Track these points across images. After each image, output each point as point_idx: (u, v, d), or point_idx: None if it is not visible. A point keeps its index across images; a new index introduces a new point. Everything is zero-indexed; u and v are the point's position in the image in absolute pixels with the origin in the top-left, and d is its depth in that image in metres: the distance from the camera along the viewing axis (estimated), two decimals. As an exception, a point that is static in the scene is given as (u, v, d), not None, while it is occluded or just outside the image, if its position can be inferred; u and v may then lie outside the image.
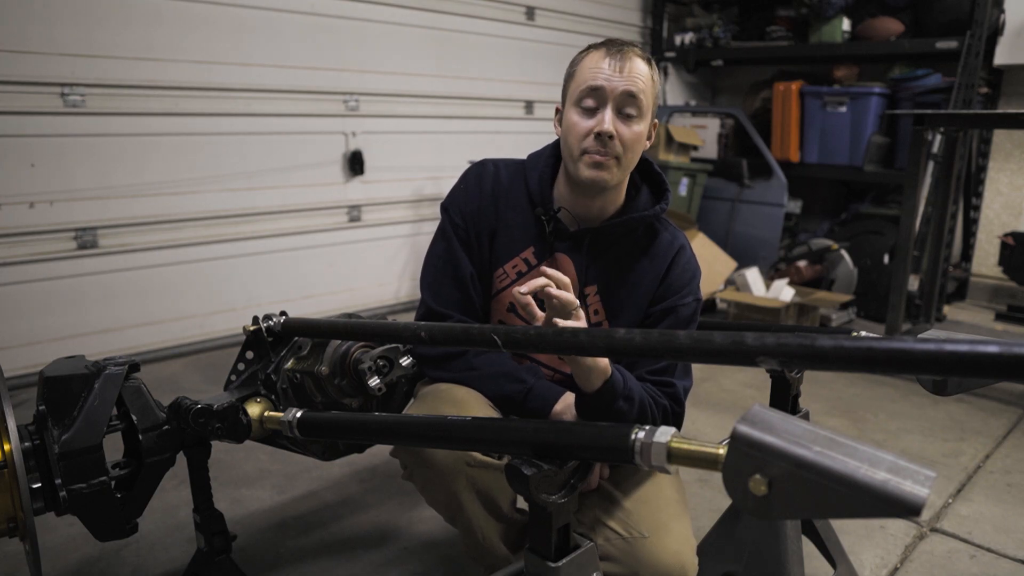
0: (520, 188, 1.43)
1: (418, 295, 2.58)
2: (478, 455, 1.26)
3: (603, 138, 1.27)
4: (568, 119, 1.32)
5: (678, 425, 1.36)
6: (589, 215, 1.39)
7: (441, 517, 1.40)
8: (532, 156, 1.47)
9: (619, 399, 1.23)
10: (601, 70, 1.28)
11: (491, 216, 1.43)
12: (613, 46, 1.30)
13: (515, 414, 1.35)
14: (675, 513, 1.30)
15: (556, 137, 1.43)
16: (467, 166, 1.52)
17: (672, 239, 1.43)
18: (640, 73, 1.28)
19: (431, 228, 1.49)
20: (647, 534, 1.26)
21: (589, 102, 1.29)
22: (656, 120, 1.37)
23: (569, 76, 1.35)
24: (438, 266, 1.44)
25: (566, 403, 1.31)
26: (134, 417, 1.27)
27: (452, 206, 1.45)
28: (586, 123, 1.29)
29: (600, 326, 1.43)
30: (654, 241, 1.42)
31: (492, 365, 1.37)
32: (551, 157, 1.44)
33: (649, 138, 1.35)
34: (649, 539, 1.25)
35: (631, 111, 1.29)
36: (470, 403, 1.33)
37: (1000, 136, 4.35)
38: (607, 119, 1.27)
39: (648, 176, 1.46)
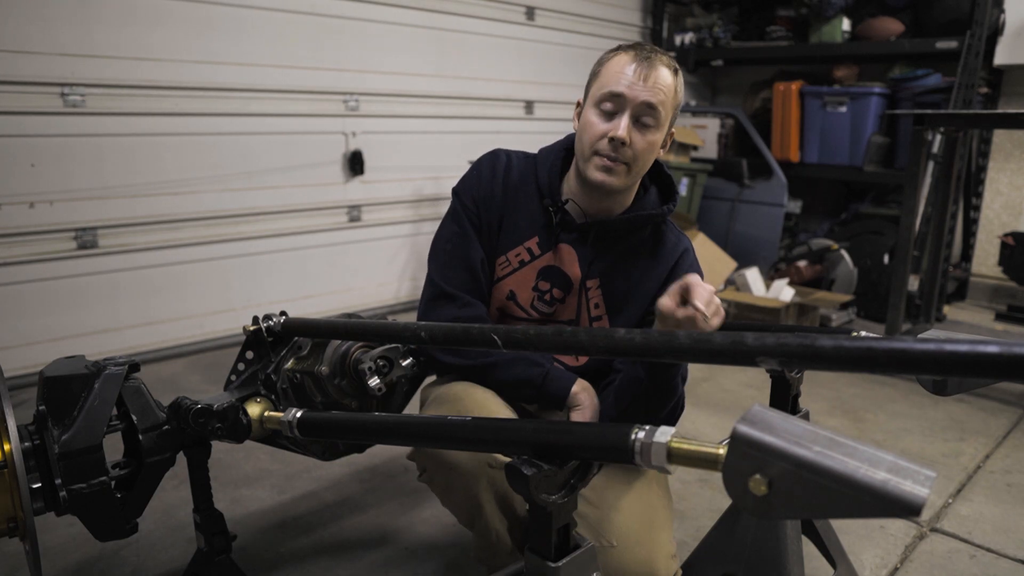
0: (530, 179, 1.46)
1: (418, 295, 2.57)
2: (499, 456, 1.26)
3: (616, 143, 1.29)
4: (586, 118, 1.34)
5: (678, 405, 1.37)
6: (596, 212, 1.41)
7: (443, 519, 1.40)
8: (544, 149, 1.49)
9: None
10: (625, 76, 1.28)
11: (499, 204, 1.45)
12: (642, 52, 1.30)
13: (533, 398, 1.36)
14: (652, 522, 1.29)
15: (566, 133, 1.46)
16: (467, 166, 1.53)
17: (677, 242, 1.45)
18: (663, 84, 1.29)
19: (431, 228, 1.50)
20: (615, 543, 1.25)
21: (608, 106, 1.30)
22: (674, 129, 1.38)
23: (594, 75, 1.36)
24: (448, 249, 1.45)
25: (582, 385, 1.35)
26: (134, 417, 1.27)
27: (464, 190, 1.47)
28: (602, 125, 1.30)
29: (600, 320, 1.44)
30: (659, 242, 1.44)
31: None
32: (563, 151, 1.46)
33: (664, 146, 1.36)
34: (616, 549, 1.25)
35: (648, 121, 1.30)
36: (489, 405, 1.33)
37: (1000, 136, 4.35)
38: (622, 125, 1.28)
39: (658, 177, 1.48)
